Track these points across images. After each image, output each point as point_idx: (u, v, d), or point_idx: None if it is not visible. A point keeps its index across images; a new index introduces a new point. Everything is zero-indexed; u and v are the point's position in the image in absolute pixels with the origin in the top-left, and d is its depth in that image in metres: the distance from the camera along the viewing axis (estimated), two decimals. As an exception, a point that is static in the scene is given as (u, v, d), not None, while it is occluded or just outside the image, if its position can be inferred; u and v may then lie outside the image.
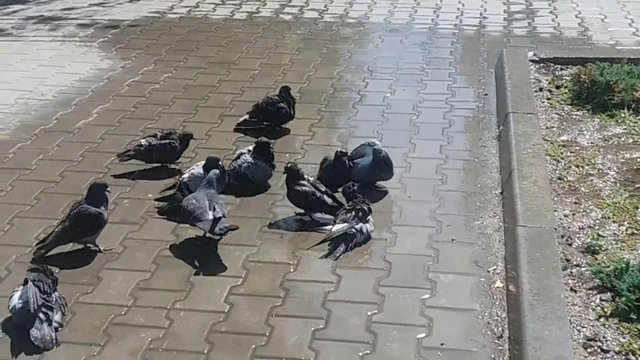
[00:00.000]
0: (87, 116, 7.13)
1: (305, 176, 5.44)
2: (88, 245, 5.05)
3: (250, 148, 5.93)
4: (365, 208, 5.18)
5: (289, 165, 5.51)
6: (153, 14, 10.22)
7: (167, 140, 6.02)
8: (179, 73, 8.15)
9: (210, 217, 4.96)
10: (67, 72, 8.22)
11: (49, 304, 4.26)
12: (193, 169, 5.63)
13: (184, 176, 5.61)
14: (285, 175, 5.47)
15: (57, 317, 4.30)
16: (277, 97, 6.67)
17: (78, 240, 5.03)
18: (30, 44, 9.13)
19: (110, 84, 7.89)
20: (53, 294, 4.35)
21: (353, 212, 5.14)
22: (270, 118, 6.69)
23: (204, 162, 5.60)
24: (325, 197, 5.37)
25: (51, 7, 10.59)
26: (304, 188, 5.34)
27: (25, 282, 4.36)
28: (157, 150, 6.01)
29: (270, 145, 5.90)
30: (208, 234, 5.02)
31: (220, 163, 5.57)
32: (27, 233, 5.27)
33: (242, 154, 5.87)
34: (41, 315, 4.21)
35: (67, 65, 8.44)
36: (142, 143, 6.06)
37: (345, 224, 5.08)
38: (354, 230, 5.06)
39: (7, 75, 8.16)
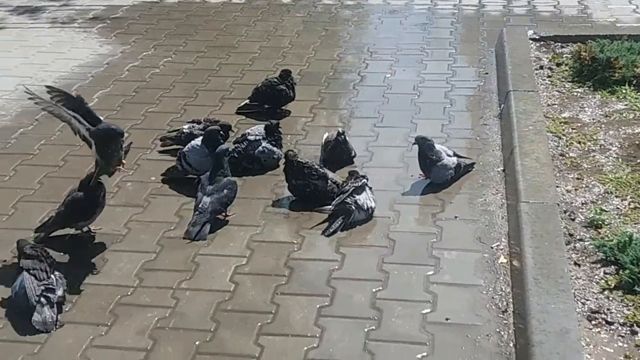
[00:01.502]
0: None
1: (305, 161, 5.42)
2: (83, 230, 5.06)
3: (260, 129, 5.92)
4: (361, 182, 5.19)
5: (289, 153, 5.50)
6: (151, -1, 10.20)
7: None
8: (178, 57, 8.14)
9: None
10: (67, 57, 8.21)
11: (49, 286, 4.28)
12: (193, 140, 5.74)
13: (184, 149, 5.71)
14: (284, 163, 5.48)
15: (59, 292, 4.33)
16: (276, 79, 6.66)
17: (73, 225, 5.04)
18: (29, 31, 9.11)
19: (110, 69, 7.88)
20: (52, 276, 4.35)
21: (348, 185, 5.17)
22: (270, 101, 6.70)
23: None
24: (319, 182, 5.33)
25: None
26: (298, 181, 5.34)
27: (20, 269, 4.37)
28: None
29: (279, 127, 5.94)
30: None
31: (221, 133, 5.67)
32: (31, 217, 5.28)
33: (257, 139, 5.84)
34: (42, 299, 4.23)
35: (67, 51, 8.43)
36: (184, 130, 6.05)
37: (342, 195, 5.11)
38: (352, 207, 5.06)
39: (8, 62, 8.15)
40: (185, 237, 4.99)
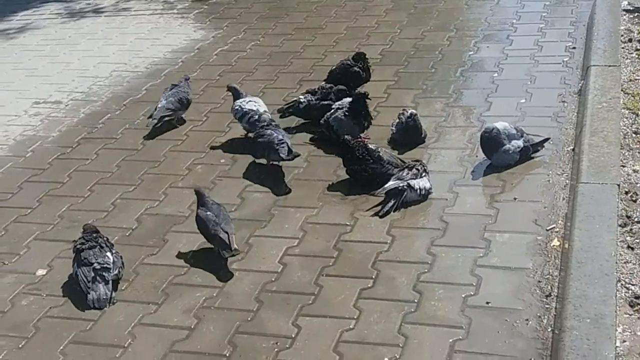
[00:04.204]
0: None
1: (358, 145, 5.42)
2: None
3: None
4: (419, 167, 5.17)
5: (345, 138, 5.52)
6: (249, -18, 10.36)
7: (327, 102, 6.23)
8: (265, 40, 8.30)
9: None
10: (162, 44, 8.53)
11: (104, 265, 4.51)
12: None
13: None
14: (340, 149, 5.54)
15: (114, 271, 4.56)
16: (350, 61, 6.69)
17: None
18: (130, 19, 9.51)
19: (199, 54, 8.13)
20: (107, 254, 4.58)
21: (406, 170, 5.15)
22: (344, 82, 6.73)
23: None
24: (375, 166, 5.32)
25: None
26: (355, 167, 5.36)
27: (77, 252, 4.62)
28: (315, 109, 6.22)
29: (368, 98, 5.98)
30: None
31: None
32: (106, 199, 5.58)
33: (336, 108, 6.02)
34: (97, 277, 4.47)
35: (163, 37, 8.75)
36: (302, 100, 6.30)
37: (398, 180, 5.10)
38: (404, 186, 5.05)
39: (106, 49, 8.56)
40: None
